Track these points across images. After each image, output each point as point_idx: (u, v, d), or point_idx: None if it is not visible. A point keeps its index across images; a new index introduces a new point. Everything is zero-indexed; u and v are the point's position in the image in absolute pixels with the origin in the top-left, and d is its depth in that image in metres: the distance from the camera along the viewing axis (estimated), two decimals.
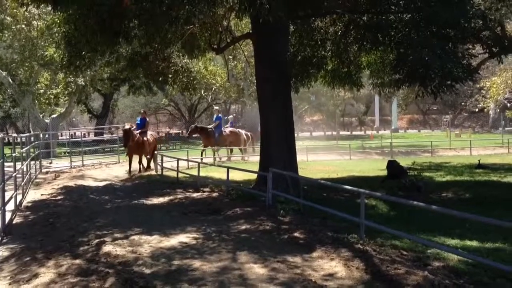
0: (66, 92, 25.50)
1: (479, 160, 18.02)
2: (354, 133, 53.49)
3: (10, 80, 24.01)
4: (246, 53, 19.72)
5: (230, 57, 22.65)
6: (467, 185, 12.82)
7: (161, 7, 8.66)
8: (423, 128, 57.58)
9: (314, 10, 10.83)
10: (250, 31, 12.51)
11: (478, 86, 39.03)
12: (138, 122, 16.89)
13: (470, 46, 11.73)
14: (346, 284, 4.84)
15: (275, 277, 5.00)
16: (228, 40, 13.39)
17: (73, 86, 24.54)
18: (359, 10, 10.48)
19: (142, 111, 18.46)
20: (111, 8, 9.34)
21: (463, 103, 52.94)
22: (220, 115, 21.84)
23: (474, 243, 6.66)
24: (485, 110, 45.68)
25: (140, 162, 15.94)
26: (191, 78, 15.40)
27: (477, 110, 48.14)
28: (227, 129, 21.89)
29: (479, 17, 10.51)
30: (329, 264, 5.45)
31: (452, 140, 31.98)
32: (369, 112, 63.30)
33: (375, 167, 17.29)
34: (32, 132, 22.45)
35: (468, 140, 29.90)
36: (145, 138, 15.94)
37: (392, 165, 13.65)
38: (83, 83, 24.15)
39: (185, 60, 15.04)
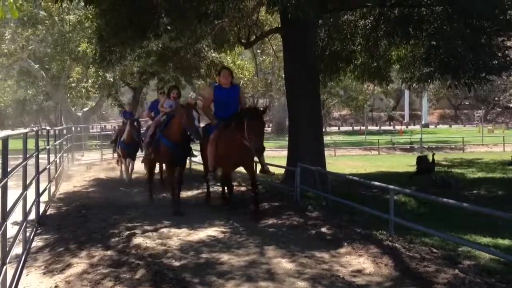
0: (96, 86, 25.97)
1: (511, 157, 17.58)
2: (382, 128, 52.75)
3: (43, 73, 24.59)
4: (274, 47, 19.66)
5: (258, 51, 22.68)
6: (499, 182, 12.53)
7: (191, 3, 8.72)
8: (454, 124, 56.42)
9: (344, 4, 10.72)
10: (279, 26, 12.47)
11: None
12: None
13: (506, 39, 11.42)
14: (375, 281, 4.80)
15: (302, 272, 5.00)
16: (257, 35, 13.38)
17: (102, 80, 24.95)
18: (390, 3, 10.31)
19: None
20: (141, 4, 9.46)
21: (496, 98, 51.63)
22: None
23: (506, 242, 6.52)
24: None
25: None
26: None
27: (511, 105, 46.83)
28: None
29: None
30: (357, 261, 5.42)
31: (485, 136, 31.24)
32: (399, 107, 62.35)
33: (404, 162, 17.06)
34: (64, 125, 22.97)
35: (501, 136, 29.17)
36: None
37: (422, 161, 13.44)
38: (112, 79, 24.53)
39: (214, 54, 15.13)
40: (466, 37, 8.97)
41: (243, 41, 12.99)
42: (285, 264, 5.25)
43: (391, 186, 6.91)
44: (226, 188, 8.73)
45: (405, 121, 57.39)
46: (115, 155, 18.77)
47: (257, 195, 8.03)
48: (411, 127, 49.40)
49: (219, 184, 8.88)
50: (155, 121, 9.49)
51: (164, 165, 10.21)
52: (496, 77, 10.01)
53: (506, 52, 10.76)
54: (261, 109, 7.80)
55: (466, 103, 59.49)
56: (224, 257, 5.51)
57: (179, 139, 8.17)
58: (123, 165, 13.15)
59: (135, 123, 11.71)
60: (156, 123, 9.22)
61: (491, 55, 9.26)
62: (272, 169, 8.73)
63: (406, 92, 51.70)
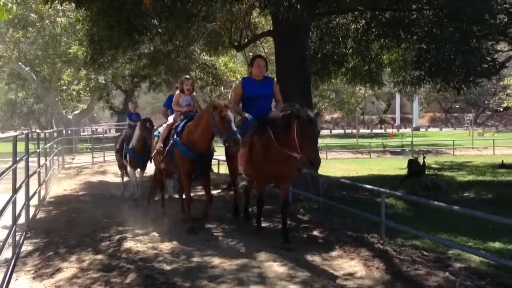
0: (87, 89, 25.86)
1: (502, 161, 17.72)
2: (374, 131, 53.00)
3: (34, 76, 24.43)
4: (266, 50, 19.68)
5: (251, 54, 22.67)
6: (489, 185, 12.62)
7: (181, 4, 8.71)
8: (445, 127, 56.80)
9: (335, 7, 10.78)
10: (271, 28, 12.50)
11: (502, 84, 38.32)
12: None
13: (495, 43, 11.53)
14: (366, 284, 4.81)
15: (294, 276, 4.99)
16: (249, 38, 13.39)
17: (94, 83, 24.87)
18: (381, 7, 10.38)
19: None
20: (132, 6, 9.43)
21: (486, 102, 52.05)
22: None
23: (497, 245, 6.56)
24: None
25: None
26: (216, 75, 15.43)
27: (502, 109, 47.20)
28: None
29: (505, 13, 10.33)
30: (348, 264, 5.42)
31: (475, 139, 31.50)
32: (390, 110, 62.67)
33: (395, 165, 17.15)
34: (55, 128, 22.84)
35: (491, 139, 29.42)
36: None
37: (413, 164, 13.52)
38: (104, 81, 24.44)
39: (206, 57, 15.13)
40: (456, 41, 9.04)
41: (235, 43, 12.99)
42: (276, 268, 5.24)
43: (383, 189, 6.94)
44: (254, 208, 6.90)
45: (396, 124, 57.69)
46: (107, 158, 18.76)
47: (286, 222, 6.41)
48: (402, 130, 49.69)
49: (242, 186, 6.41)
50: (169, 122, 7.56)
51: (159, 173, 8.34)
52: (485, 81, 10.09)
53: (496, 56, 10.87)
54: (315, 112, 5.96)
55: (457, 106, 59.92)
56: (216, 261, 5.49)
57: (204, 147, 6.71)
58: (127, 177, 10.88)
59: (147, 124, 9.42)
60: (170, 125, 7.36)
61: (480, 59, 9.34)
62: None
63: (397, 96, 52.01)
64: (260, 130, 6.22)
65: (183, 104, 7.42)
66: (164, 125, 7.61)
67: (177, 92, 7.59)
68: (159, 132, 7.70)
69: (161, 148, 7.24)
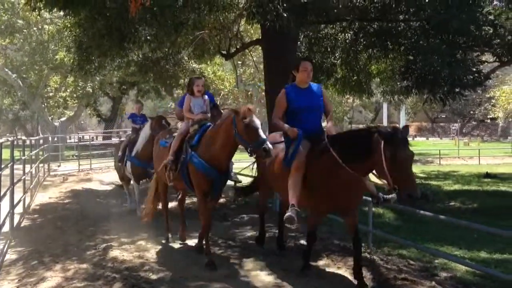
0: (74, 96, 25.70)
1: (487, 171, 17.89)
2: None
3: (20, 82, 24.22)
4: (255, 59, 19.75)
5: (239, 62, 22.72)
6: (475, 194, 12.73)
7: (169, 12, 8.70)
8: (431, 136, 57.32)
9: (324, 17, 10.86)
10: (260, 37, 12.54)
11: (487, 95, 38.85)
12: None
13: (480, 54, 11.69)
14: None
15: (281, 285, 4.99)
16: (238, 46, 13.42)
17: (80, 91, 24.73)
18: (369, 18, 10.48)
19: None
20: (120, 13, 9.41)
21: (471, 112, 52.67)
22: None
23: (482, 254, 6.61)
24: (498, 118, 45.36)
25: None
26: (205, 82, 15.40)
27: (488, 120, 47.79)
28: None
29: (490, 25, 10.50)
30: (336, 273, 5.43)
31: (461, 149, 31.80)
32: (377, 119, 63.09)
33: None
34: (41, 135, 22.62)
35: (476, 149, 29.71)
36: None
37: None
38: (91, 89, 24.30)
39: (194, 65, 15.12)
40: (442, 52, 9.15)
41: (223, 52, 13.00)
42: (263, 277, 5.23)
43: (370, 198, 6.95)
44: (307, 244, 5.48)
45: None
46: (94, 165, 18.62)
47: (361, 260, 5.21)
48: None
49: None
50: (180, 131, 6.35)
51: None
52: (471, 92, 10.22)
53: (481, 67, 11.02)
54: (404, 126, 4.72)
55: (443, 116, 60.54)
56: (203, 269, 5.46)
57: (226, 163, 5.75)
58: (128, 189, 9.66)
59: (163, 122, 8.11)
60: (182, 134, 6.17)
61: (465, 70, 9.46)
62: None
63: (385, 105, 52.42)
64: (316, 150, 5.07)
65: (195, 109, 6.22)
66: (175, 134, 6.48)
67: (187, 95, 6.34)
68: (165, 142, 6.58)
69: (171, 162, 6.05)
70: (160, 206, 7.34)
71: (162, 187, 7.03)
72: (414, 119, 62.39)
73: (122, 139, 14.44)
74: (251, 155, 5.33)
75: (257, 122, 5.14)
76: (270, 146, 5.06)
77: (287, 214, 4.97)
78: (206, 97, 6.36)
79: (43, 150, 15.60)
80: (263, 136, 5.12)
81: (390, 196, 5.13)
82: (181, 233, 6.91)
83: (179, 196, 7.31)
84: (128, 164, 8.79)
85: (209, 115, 6.26)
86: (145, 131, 8.39)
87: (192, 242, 6.78)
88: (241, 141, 5.24)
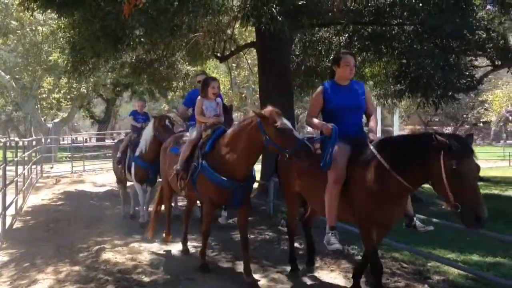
0: (68, 97, 25.60)
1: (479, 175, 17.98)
2: None
3: (13, 84, 24.10)
4: (249, 61, 19.77)
5: (234, 65, 22.74)
6: None
7: (165, 16, 8.69)
8: None
9: (318, 20, 10.89)
10: (254, 40, 12.56)
11: (480, 99, 39.05)
12: None
13: (473, 58, 11.77)
14: None
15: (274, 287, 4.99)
16: (232, 49, 13.43)
17: (75, 92, 24.65)
18: (363, 21, 10.52)
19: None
20: (115, 15, 9.39)
21: (465, 115, 52.93)
22: None
23: (475, 257, 6.63)
24: (490, 122, 45.60)
25: None
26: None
27: (481, 124, 48.05)
28: None
29: (483, 29, 10.57)
30: (329, 276, 5.44)
31: None
32: None
33: None
34: (34, 137, 22.51)
35: None
36: None
37: None
38: (85, 90, 24.22)
39: (188, 67, 15.12)
40: (435, 56, 9.20)
41: (218, 54, 13.01)
42: (257, 279, 5.22)
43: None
44: (372, 270, 4.65)
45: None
46: (87, 167, 18.56)
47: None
48: None
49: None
50: (191, 137, 5.77)
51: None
52: (464, 95, 10.29)
53: (474, 71, 11.09)
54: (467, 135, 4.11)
55: (436, 119, 60.79)
56: (196, 272, 5.44)
57: (248, 172, 5.17)
58: (123, 194, 9.29)
59: (167, 121, 7.60)
60: (194, 141, 5.59)
61: (459, 74, 9.51)
62: None
63: (378, 108, 52.56)
64: (360, 157, 4.43)
65: (208, 113, 5.65)
66: (185, 139, 5.95)
67: (199, 98, 5.75)
68: (177, 149, 6.00)
69: (180, 171, 5.54)
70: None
71: (167, 194, 6.61)
72: (408, 123, 62.63)
73: (115, 140, 14.25)
74: (286, 159, 4.71)
75: (289, 124, 4.66)
76: (309, 144, 4.48)
77: (329, 240, 4.48)
78: (219, 99, 5.86)
79: (36, 151, 15.52)
80: (299, 136, 4.67)
81: (427, 228, 4.77)
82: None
83: (186, 208, 6.79)
84: (132, 165, 8.23)
85: (222, 118, 5.76)
86: (148, 131, 7.86)
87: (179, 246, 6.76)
88: (275, 147, 4.65)
